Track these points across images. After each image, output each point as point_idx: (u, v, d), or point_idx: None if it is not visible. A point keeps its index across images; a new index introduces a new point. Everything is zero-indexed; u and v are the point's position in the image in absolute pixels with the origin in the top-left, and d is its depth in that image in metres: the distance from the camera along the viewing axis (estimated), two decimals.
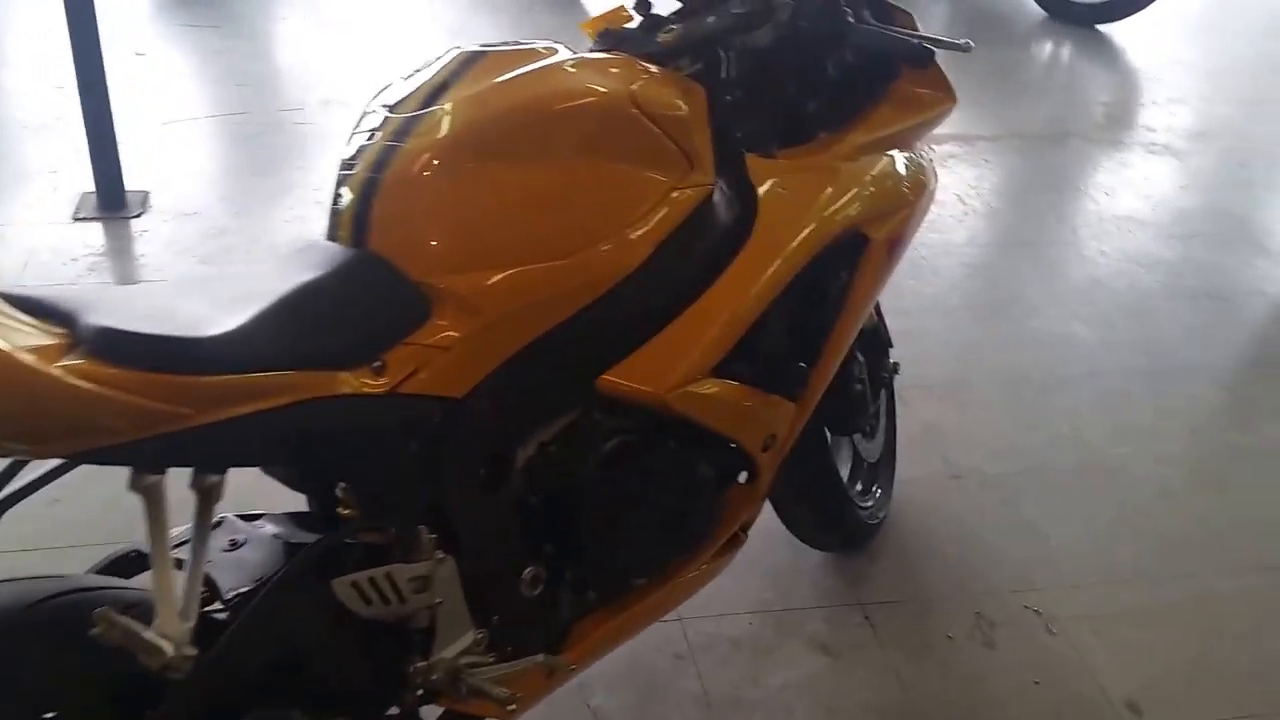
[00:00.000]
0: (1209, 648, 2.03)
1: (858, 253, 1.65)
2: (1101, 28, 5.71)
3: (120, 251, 3.19)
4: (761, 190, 1.54)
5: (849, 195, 1.61)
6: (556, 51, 1.45)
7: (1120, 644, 2.02)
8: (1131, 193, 3.94)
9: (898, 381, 2.22)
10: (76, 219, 3.34)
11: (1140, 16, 5.61)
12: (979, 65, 5.36)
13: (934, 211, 1.84)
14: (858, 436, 2.11)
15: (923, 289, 3.21)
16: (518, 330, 1.31)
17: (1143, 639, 2.03)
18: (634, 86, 1.40)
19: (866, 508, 2.14)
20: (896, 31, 1.67)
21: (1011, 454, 2.51)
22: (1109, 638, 2.03)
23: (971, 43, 1.67)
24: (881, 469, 2.24)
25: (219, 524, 1.31)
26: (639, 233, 1.38)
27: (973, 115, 4.56)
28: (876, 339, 2.04)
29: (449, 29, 5.19)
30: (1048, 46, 5.69)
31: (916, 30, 1.74)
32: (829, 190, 1.59)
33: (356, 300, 1.24)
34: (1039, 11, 5.87)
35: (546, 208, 1.33)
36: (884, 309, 2.09)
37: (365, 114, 1.40)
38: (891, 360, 2.09)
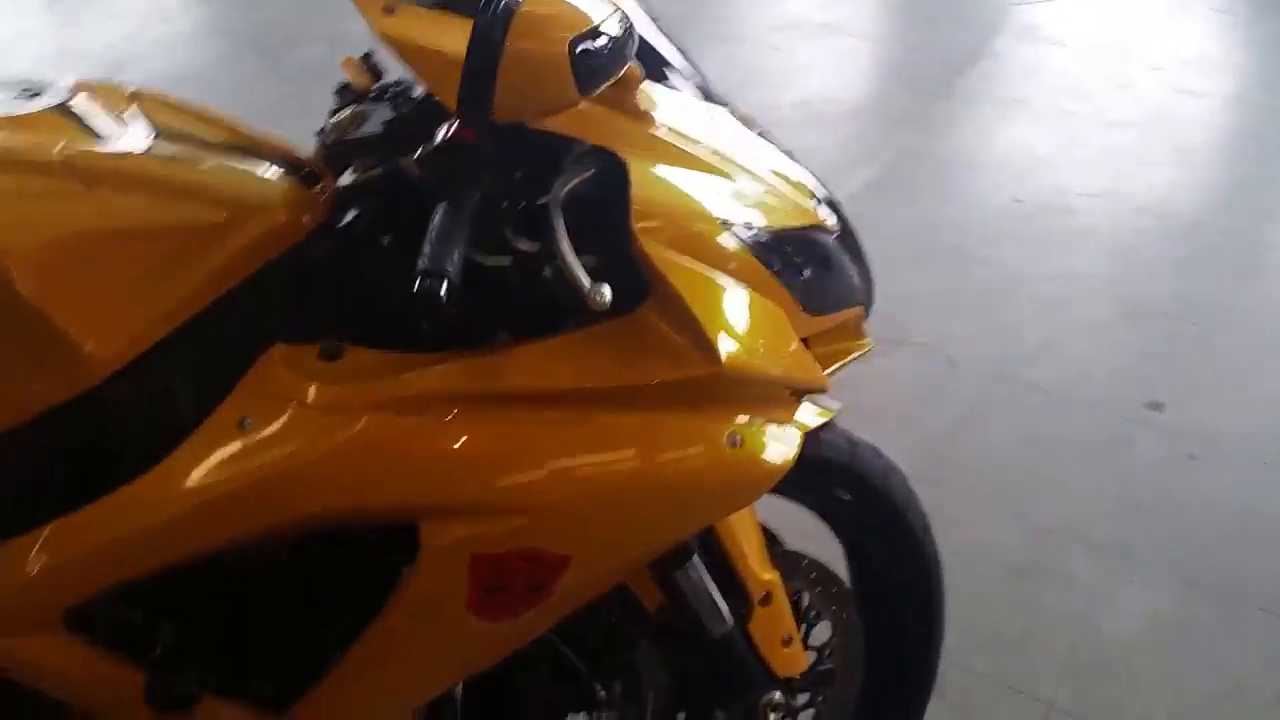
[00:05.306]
0: None
1: (412, 553, 1.04)
2: None
3: None
4: (228, 405, 1.03)
5: (392, 460, 1.02)
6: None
7: None
8: None
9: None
10: None
11: None
12: None
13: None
14: None
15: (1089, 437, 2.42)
16: None
17: None
18: None
19: None
20: (557, 256, 0.98)
21: None
22: None
23: (607, 294, 0.98)
24: None
25: None
26: None
27: None
28: (735, 665, 1.31)
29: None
30: None
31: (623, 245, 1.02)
32: (351, 441, 1.01)
33: None
34: None
35: None
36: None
37: None
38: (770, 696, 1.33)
